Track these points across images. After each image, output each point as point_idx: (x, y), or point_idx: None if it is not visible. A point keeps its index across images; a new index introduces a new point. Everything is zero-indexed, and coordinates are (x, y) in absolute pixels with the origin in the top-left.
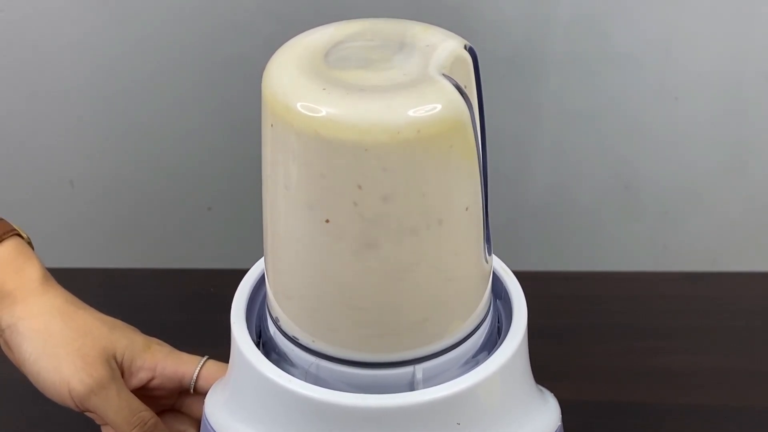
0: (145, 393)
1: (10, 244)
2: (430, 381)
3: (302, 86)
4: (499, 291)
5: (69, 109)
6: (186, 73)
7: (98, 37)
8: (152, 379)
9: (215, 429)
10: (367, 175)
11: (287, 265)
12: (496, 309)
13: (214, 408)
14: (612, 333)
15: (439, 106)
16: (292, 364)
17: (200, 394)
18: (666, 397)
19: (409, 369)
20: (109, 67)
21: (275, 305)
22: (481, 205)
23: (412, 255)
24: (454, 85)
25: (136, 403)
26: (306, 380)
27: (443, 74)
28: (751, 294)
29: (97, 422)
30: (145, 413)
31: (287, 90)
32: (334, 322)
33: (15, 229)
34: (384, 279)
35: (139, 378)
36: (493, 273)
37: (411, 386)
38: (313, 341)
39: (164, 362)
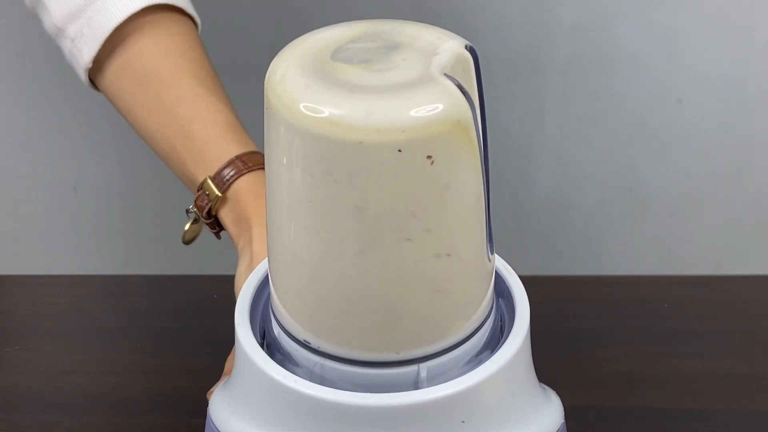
0: None
1: (260, 174)
2: (434, 380)
3: (305, 87)
4: (501, 290)
5: (73, 114)
6: None
7: None
8: None
9: (220, 430)
10: (369, 175)
11: (290, 265)
12: (498, 308)
13: (219, 409)
14: (615, 337)
15: (441, 106)
16: (296, 364)
17: None
18: (670, 401)
19: (413, 368)
20: None
21: (279, 305)
22: (484, 203)
23: (415, 254)
24: (456, 84)
25: None
26: (311, 380)
27: (445, 74)
28: (756, 297)
29: None
30: None
31: (290, 91)
32: (337, 322)
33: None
34: (387, 279)
35: None
36: (496, 272)
37: (415, 385)
38: (317, 341)
39: None
